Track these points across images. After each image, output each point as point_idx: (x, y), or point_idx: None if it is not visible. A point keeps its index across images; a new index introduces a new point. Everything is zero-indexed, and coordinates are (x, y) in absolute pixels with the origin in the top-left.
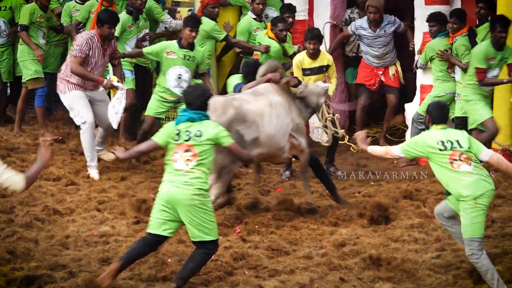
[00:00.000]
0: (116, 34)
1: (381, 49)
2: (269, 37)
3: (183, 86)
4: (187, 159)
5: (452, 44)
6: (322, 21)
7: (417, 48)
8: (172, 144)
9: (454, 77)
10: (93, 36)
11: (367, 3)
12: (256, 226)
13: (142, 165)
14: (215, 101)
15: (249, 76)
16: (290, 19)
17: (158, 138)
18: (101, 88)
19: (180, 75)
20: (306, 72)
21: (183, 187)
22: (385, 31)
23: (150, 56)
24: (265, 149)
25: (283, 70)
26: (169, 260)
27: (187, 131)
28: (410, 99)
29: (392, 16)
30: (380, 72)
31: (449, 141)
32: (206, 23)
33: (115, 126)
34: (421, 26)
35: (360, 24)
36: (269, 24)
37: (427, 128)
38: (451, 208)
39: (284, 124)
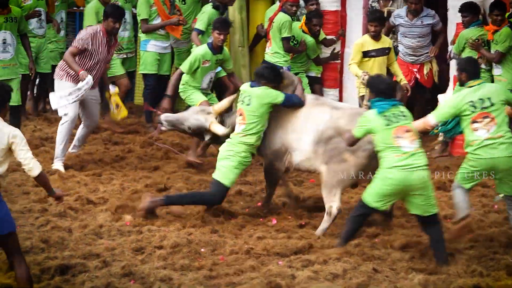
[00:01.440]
0: (202, 28)
1: (415, 40)
2: (303, 31)
3: (210, 87)
4: (412, 139)
5: (483, 34)
6: (355, 12)
7: (450, 38)
8: (385, 130)
9: (484, 69)
10: (99, 31)
11: None
12: (289, 217)
13: (175, 155)
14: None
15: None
16: (314, 6)
17: (358, 133)
18: (97, 89)
19: (211, 78)
20: (371, 53)
21: (419, 169)
22: (422, 21)
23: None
24: None
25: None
26: (202, 250)
27: (393, 114)
28: (443, 90)
29: (432, 11)
30: (415, 69)
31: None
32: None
33: (54, 107)
34: (453, 17)
35: (398, 13)
36: (303, 17)
37: (462, 85)
38: None
39: None
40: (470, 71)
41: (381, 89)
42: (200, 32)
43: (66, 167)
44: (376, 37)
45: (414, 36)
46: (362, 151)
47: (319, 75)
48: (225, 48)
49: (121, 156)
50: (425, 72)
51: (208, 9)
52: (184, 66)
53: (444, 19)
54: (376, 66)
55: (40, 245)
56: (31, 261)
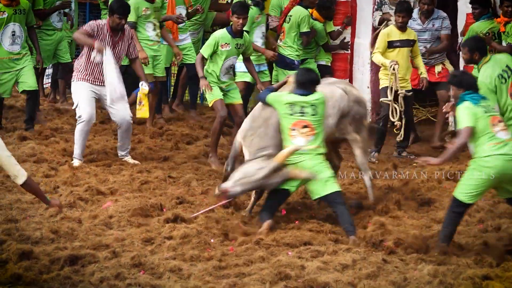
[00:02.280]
0: (245, 28)
1: (428, 44)
2: (313, 18)
3: (231, 73)
4: (504, 129)
5: (493, 27)
6: (366, 3)
7: (460, 29)
8: (483, 118)
9: None
10: (103, 25)
11: None
12: (299, 208)
13: (185, 146)
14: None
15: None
16: None
17: (468, 122)
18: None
19: (232, 64)
20: (396, 44)
21: (509, 159)
22: (433, 24)
23: (207, 54)
24: None
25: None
26: (212, 240)
27: (484, 106)
28: None
29: (444, 13)
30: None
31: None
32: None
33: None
34: (464, 7)
35: (412, 15)
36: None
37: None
38: None
39: None
40: (482, 49)
41: (470, 83)
42: (133, 26)
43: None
44: (402, 28)
45: (426, 41)
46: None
47: (329, 64)
48: (245, 34)
49: (131, 146)
50: (436, 71)
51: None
52: (204, 49)
53: (454, 9)
54: (399, 57)
55: (49, 235)
56: (40, 251)
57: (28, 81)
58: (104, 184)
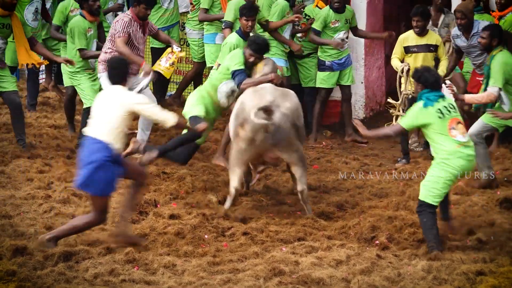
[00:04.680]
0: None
1: (478, 59)
2: (318, 7)
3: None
4: (463, 132)
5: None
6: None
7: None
8: (439, 122)
9: None
10: (131, 17)
11: (456, 8)
12: (289, 201)
13: None
14: (275, 88)
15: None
16: None
17: (406, 123)
18: (141, 75)
19: None
20: (412, 49)
21: (471, 159)
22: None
23: None
24: None
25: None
26: (206, 236)
27: (444, 107)
28: None
29: (486, 22)
30: (481, 79)
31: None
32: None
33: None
34: (457, 2)
35: (455, 33)
36: None
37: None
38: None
39: None
40: (501, 37)
41: (429, 81)
42: (230, 26)
43: (69, 156)
44: (420, 32)
45: (476, 56)
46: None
47: None
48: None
49: (127, 142)
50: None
51: (279, 1)
52: (221, 59)
53: (448, 5)
54: (418, 62)
55: (44, 231)
56: (34, 247)
57: None
58: None
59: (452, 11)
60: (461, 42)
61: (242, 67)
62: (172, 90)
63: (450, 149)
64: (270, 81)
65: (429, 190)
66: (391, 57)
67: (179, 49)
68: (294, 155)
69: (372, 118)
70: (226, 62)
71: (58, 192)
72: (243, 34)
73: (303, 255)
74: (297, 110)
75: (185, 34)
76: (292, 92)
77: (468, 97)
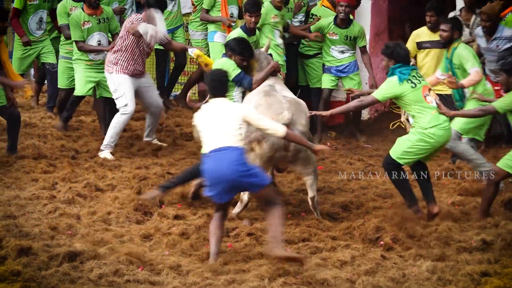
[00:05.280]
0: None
1: (492, 64)
2: (324, 6)
3: None
4: (436, 98)
5: None
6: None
7: None
8: (413, 92)
9: None
10: (141, 20)
11: (481, 9)
12: (293, 202)
13: (184, 142)
14: (292, 101)
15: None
16: None
17: (380, 95)
18: (147, 75)
19: None
20: (425, 45)
21: (447, 127)
22: (497, 46)
23: None
24: None
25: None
26: None
27: (414, 76)
28: None
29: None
30: (498, 88)
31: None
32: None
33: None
34: (461, 2)
35: (478, 32)
36: None
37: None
38: None
39: None
40: (461, 30)
41: (402, 56)
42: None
43: (73, 156)
44: (433, 28)
45: (492, 60)
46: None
47: None
48: (257, 31)
49: (130, 142)
50: None
51: (265, 4)
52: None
53: (452, 5)
54: (429, 58)
55: (48, 232)
56: (39, 247)
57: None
58: (102, 180)
59: (457, 11)
60: (482, 42)
61: (239, 70)
62: (176, 90)
63: (429, 119)
64: (274, 71)
65: (401, 149)
66: None
67: (193, 49)
68: (310, 168)
69: (377, 118)
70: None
71: (63, 193)
72: (248, 30)
73: (308, 255)
74: (308, 123)
75: (189, 35)
76: (302, 102)
77: (465, 82)
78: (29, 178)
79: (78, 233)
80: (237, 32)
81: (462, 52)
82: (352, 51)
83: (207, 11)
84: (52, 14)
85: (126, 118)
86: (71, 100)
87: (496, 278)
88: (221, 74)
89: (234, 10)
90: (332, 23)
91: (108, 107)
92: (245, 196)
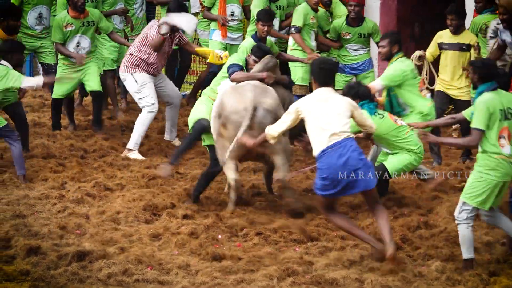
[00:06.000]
0: (299, 25)
1: None
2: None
3: None
4: (401, 119)
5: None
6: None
7: (467, 25)
8: (383, 122)
9: None
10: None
11: (499, 2)
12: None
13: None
14: (255, 85)
15: None
16: None
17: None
18: (162, 73)
19: None
20: (444, 46)
21: None
22: None
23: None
24: None
25: (277, 69)
26: (220, 236)
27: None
28: None
29: None
30: None
31: None
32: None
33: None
34: (470, 4)
35: (502, 27)
36: None
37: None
38: None
39: None
40: (400, 44)
41: (366, 94)
42: (299, 30)
43: (82, 156)
44: (455, 31)
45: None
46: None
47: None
48: (269, 39)
49: (139, 142)
50: None
51: (302, 5)
52: (237, 60)
53: (462, 5)
54: (448, 60)
55: (57, 231)
56: (48, 247)
57: (91, 82)
58: (111, 180)
59: (467, 9)
60: (506, 36)
61: (239, 62)
62: (185, 90)
63: (412, 138)
64: (262, 79)
65: (399, 166)
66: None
67: (222, 52)
68: (277, 146)
69: None
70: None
71: (72, 192)
72: (259, 40)
73: (317, 255)
74: (278, 105)
75: (197, 34)
76: (271, 88)
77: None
78: (39, 177)
79: (87, 232)
80: (249, 42)
81: (391, 66)
82: (367, 49)
83: (209, 9)
84: None
85: (153, 116)
86: (52, 105)
87: (504, 278)
88: (330, 62)
89: (235, 8)
90: (344, 23)
91: (96, 104)
92: (232, 182)
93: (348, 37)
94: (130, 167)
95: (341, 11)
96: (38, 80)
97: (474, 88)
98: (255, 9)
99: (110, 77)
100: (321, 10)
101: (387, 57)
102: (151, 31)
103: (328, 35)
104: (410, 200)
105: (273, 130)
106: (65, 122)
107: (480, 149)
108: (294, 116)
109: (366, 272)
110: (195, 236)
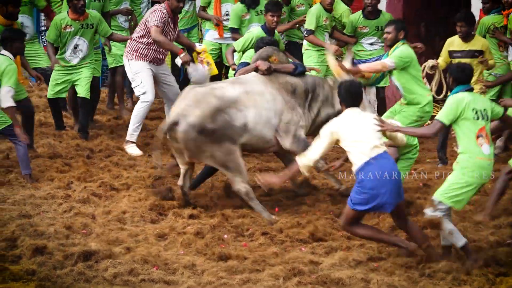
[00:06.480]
0: (312, 28)
1: None
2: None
3: None
4: None
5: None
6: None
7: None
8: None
9: (502, 55)
10: (165, 10)
11: None
12: (308, 202)
13: None
14: (196, 92)
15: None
16: None
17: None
18: (165, 64)
19: None
20: (456, 54)
21: None
22: None
23: (240, 49)
24: (251, 135)
25: (281, 56)
26: (225, 236)
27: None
28: None
29: None
30: None
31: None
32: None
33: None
34: (477, 3)
35: None
36: None
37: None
38: None
39: (267, 116)
40: (406, 32)
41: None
42: (312, 33)
43: (88, 156)
44: (465, 38)
45: None
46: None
47: None
48: (277, 32)
49: (145, 142)
50: None
51: (315, 6)
52: (237, 44)
53: (468, 6)
54: None
55: (63, 231)
56: (54, 247)
57: (80, 88)
58: (117, 179)
59: (473, 10)
60: None
61: (246, 60)
62: None
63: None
64: (256, 69)
65: None
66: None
67: (201, 45)
68: (209, 161)
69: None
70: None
71: (78, 192)
72: (268, 30)
73: (323, 255)
74: (210, 114)
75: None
76: (213, 95)
77: (364, 66)
78: (45, 177)
79: (93, 232)
80: (258, 30)
81: (398, 49)
82: (382, 44)
83: (204, 8)
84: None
85: (146, 107)
86: (49, 105)
87: (511, 278)
88: (357, 85)
89: (230, 8)
90: (361, 16)
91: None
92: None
93: (365, 30)
94: (136, 167)
95: (340, 9)
96: (7, 102)
97: (450, 90)
98: (232, 13)
99: (120, 73)
100: (344, 7)
101: (392, 43)
102: (152, 16)
103: (344, 31)
104: (416, 200)
105: (308, 160)
106: (70, 122)
107: (460, 149)
108: (330, 140)
109: (372, 272)
110: (201, 236)
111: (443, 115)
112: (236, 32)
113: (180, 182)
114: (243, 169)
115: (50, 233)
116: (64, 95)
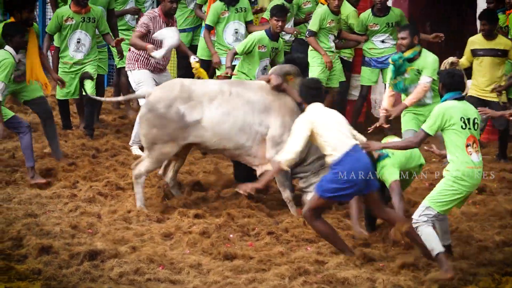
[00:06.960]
0: (315, 29)
1: None
2: (322, 4)
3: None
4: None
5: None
6: None
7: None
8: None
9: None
10: (157, 15)
11: None
12: None
13: None
14: (173, 80)
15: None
16: None
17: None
18: (167, 71)
19: (266, 66)
20: (479, 52)
21: None
22: None
23: (241, 52)
24: (210, 135)
25: (297, 80)
26: (231, 236)
27: None
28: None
29: None
30: None
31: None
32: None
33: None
34: (482, 4)
35: None
36: None
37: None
38: None
39: (243, 121)
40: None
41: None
42: (314, 34)
43: (94, 155)
44: (487, 36)
45: None
46: None
47: (350, 60)
48: (281, 40)
49: None
50: None
51: (321, 8)
52: (239, 47)
53: (473, 6)
54: (483, 66)
55: (69, 230)
56: (60, 246)
57: (85, 86)
58: (123, 179)
59: (478, 9)
60: None
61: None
62: None
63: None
64: (268, 81)
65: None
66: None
67: (195, 58)
68: (142, 138)
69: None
70: None
71: (84, 191)
72: (272, 35)
73: (328, 255)
74: (166, 100)
75: None
76: (183, 85)
77: (408, 102)
78: (50, 177)
79: (99, 231)
80: (260, 33)
81: (429, 59)
82: (393, 42)
83: (200, 6)
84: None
85: None
86: (58, 105)
87: None
88: (316, 81)
89: None
90: (371, 14)
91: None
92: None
93: (375, 28)
94: None
95: (347, 10)
96: None
97: (440, 97)
98: (211, 10)
99: (125, 74)
100: (350, 8)
101: (408, 48)
102: (140, 20)
103: (355, 29)
104: (421, 200)
105: (290, 153)
106: (76, 121)
107: (449, 158)
108: (307, 128)
109: (378, 272)
110: (206, 235)
111: (428, 126)
112: (210, 30)
113: (160, 171)
114: (160, 163)
115: (56, 233)
116: (75, 96)
